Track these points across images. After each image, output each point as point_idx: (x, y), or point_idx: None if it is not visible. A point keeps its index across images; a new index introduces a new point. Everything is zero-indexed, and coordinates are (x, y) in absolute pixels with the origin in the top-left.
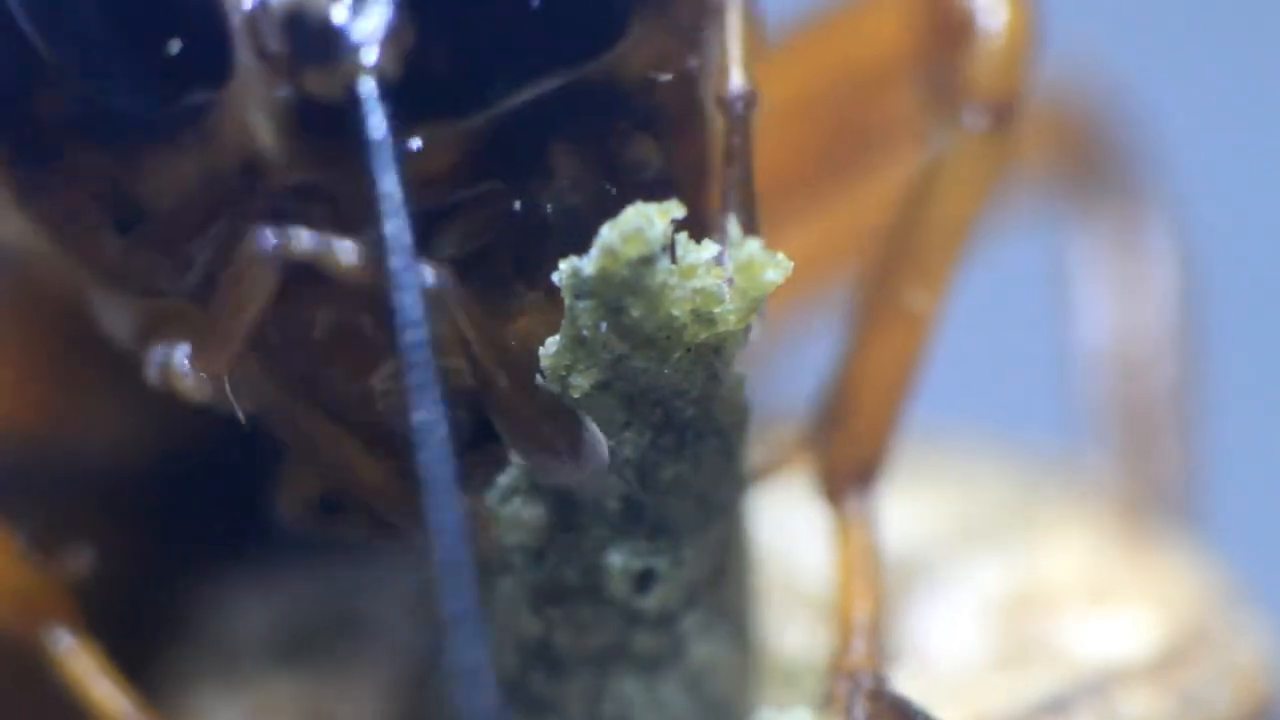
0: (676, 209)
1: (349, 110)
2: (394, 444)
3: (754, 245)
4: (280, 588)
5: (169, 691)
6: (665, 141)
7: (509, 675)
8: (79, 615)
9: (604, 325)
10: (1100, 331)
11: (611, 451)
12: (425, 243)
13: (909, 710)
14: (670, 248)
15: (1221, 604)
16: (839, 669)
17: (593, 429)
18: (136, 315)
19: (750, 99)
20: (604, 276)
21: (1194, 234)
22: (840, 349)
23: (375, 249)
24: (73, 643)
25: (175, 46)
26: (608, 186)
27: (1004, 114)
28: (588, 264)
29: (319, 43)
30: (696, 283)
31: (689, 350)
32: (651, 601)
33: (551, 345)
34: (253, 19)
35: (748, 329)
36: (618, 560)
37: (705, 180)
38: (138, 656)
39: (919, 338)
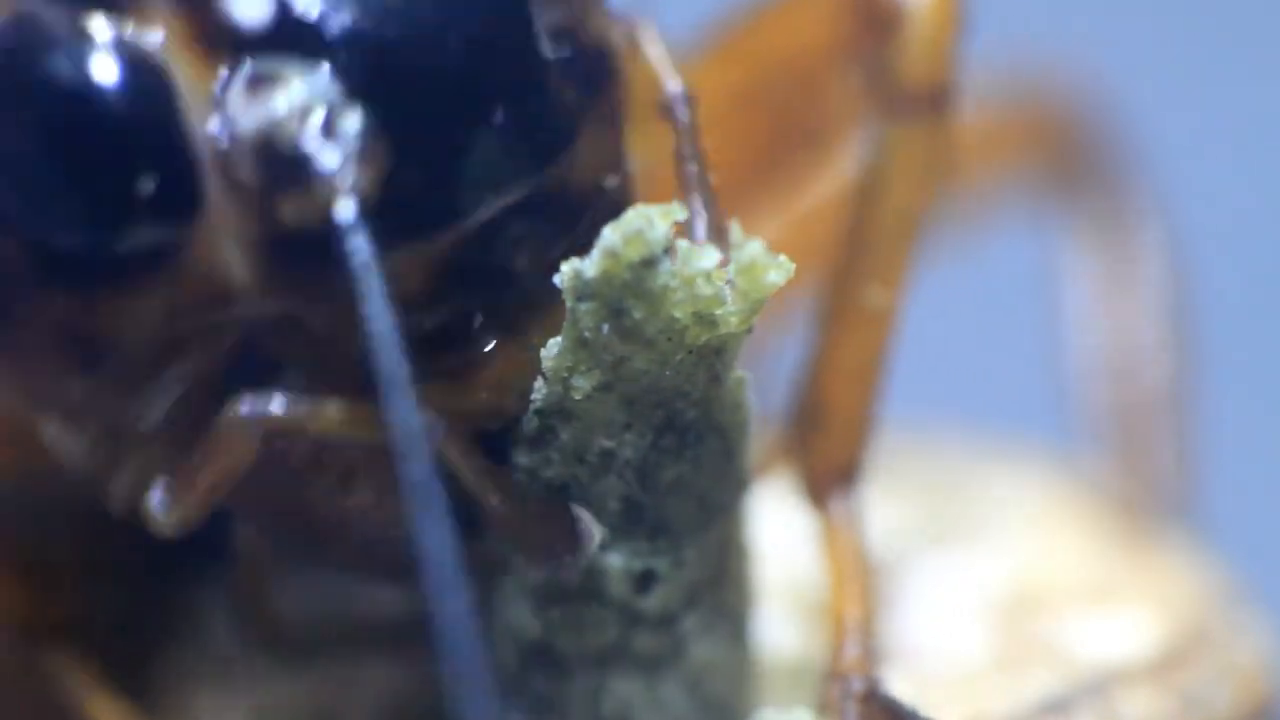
0: (678, 210)
1: (326, 237)
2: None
3: (755, 247)
4: (281, 586)
5: (169, 693)
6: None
7: (509, 675)
8: (71, 633)
9: (605, 327)
10: (1091, 331)
11: (612, 453)
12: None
13: (901, 712)
14: (671, 249)
15: (1221, 604)
16: (831, 672)
17: (584, 517)
18: (96, 447)
19: (684, 99)
20: (606, 278)
21: (1180, 230)
22: (807, 352)
23: (367, 377)
24: (65, 661)
25: (143, 186)
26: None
27: (939, 101)
28: (589, 266)
29: (294, 170)
30: (698, 286)
31: (690, 352)
32: (652, 602)
33: (553, 347)
34: (224, 151)
35: (749, 330)
36: (618, 560)
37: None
38: (137, 658)
39: (882, 334)
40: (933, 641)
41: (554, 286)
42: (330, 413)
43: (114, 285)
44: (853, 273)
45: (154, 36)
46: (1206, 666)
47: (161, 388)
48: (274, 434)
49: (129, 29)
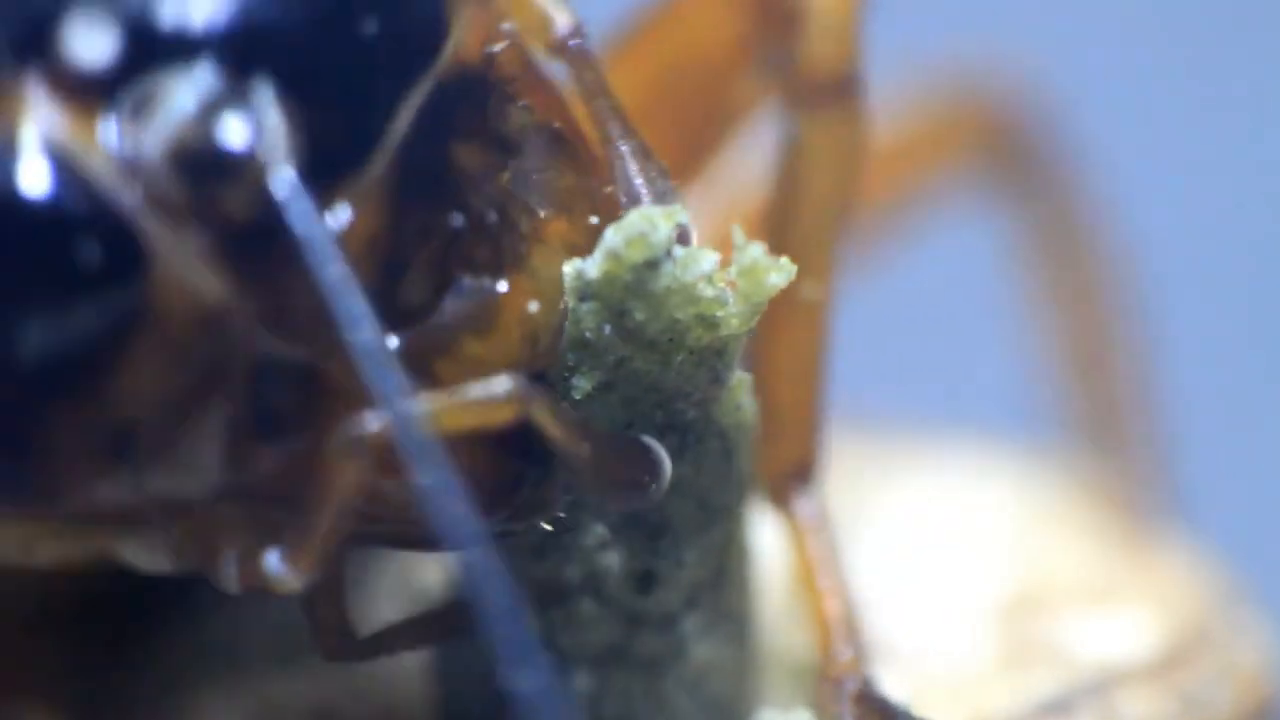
0: (681, 213)
1: (273, 217)
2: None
3: (757, 249)
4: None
5: (169, 693)
6: (527, 104)
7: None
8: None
9: (607, 328)
10: (1050, 332)
11: None
12: (395, 301)
13: (895, 712)
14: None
15: (1222, 604)
16: (822, 673)
17: (654, 443)
18: (184, 545)
19: (579, 31)
20: (607, 279)
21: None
22: (752, 355)
23: (338, 338)
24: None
25: (85, 264)
26: (516, 162)
27: (847, 87)
28: (591, 267)
29: (213, 167)
30: (700, 288)
31: (692, 353)
32: (652, 602)
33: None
34: (141, 184)
35: (750, 332)
36: (618, 561)
37: (569, 116)
38: (137, 659)
39: (819, 325)
40: (933, 641)
41: (526, 203)
42: (432, 410)
43: (101, 367)
44: None
45: (28, 124)
46: (1207, 666)
47: (200, 446)
48: (379, 450)
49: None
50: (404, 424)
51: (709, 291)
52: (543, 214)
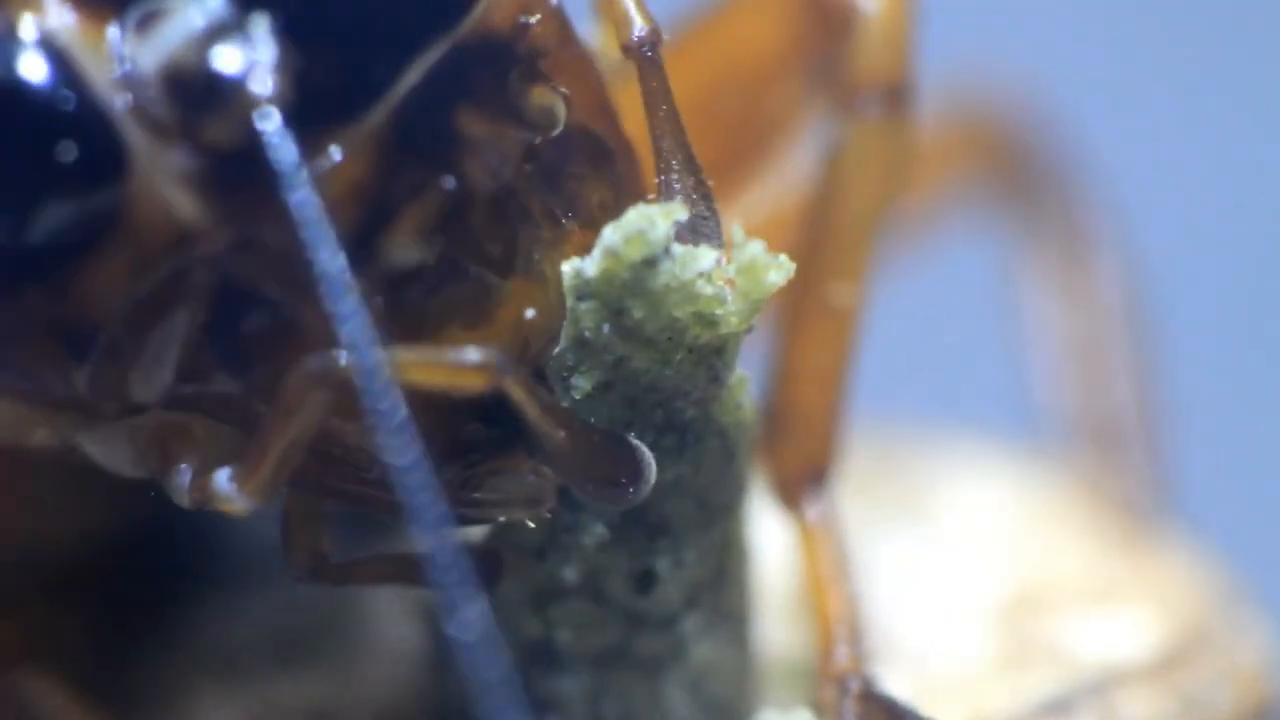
0: (680, 211)
1: (257, 150)
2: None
3: (756, 247)
4: (280, 588)
5: (169, 693)
6: (558, 85)
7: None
8: (44, 655)
9: (606, 326)
10: (1054, 344)
11: None
12: (377, 256)
13: (899, 710)
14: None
15: (1221, 604)
16: (824, 673)
17: (641, 447)
18: (134, 442)
19: (654, 37)
20: (606, 278)
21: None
22: (774, 354)
23: (310, 279)
24: (39, 685)
25: (67, 161)
26: (528, 145)
27: (899, 97)
28: (590, 265)
29: (206, 94)
30: (698, 285)
31: (691, 351)
32: (652, 602)
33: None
34: (135, 97)
35: (749, 330)
36: (618, 561)
37: (613, 121)
38: (137, 658)
39: (847, 331)
40: (933, 641)
41: (552, 207)
42: (398, 360)
43: (70, 263)
44: (815, 271)
45: (38, 16)
46: (1207, 667)
47: (157, 356)
48: (343, 389)
49: (9, 16)
50: (369, 367)
51: (708, 289)
52: (566, 223)
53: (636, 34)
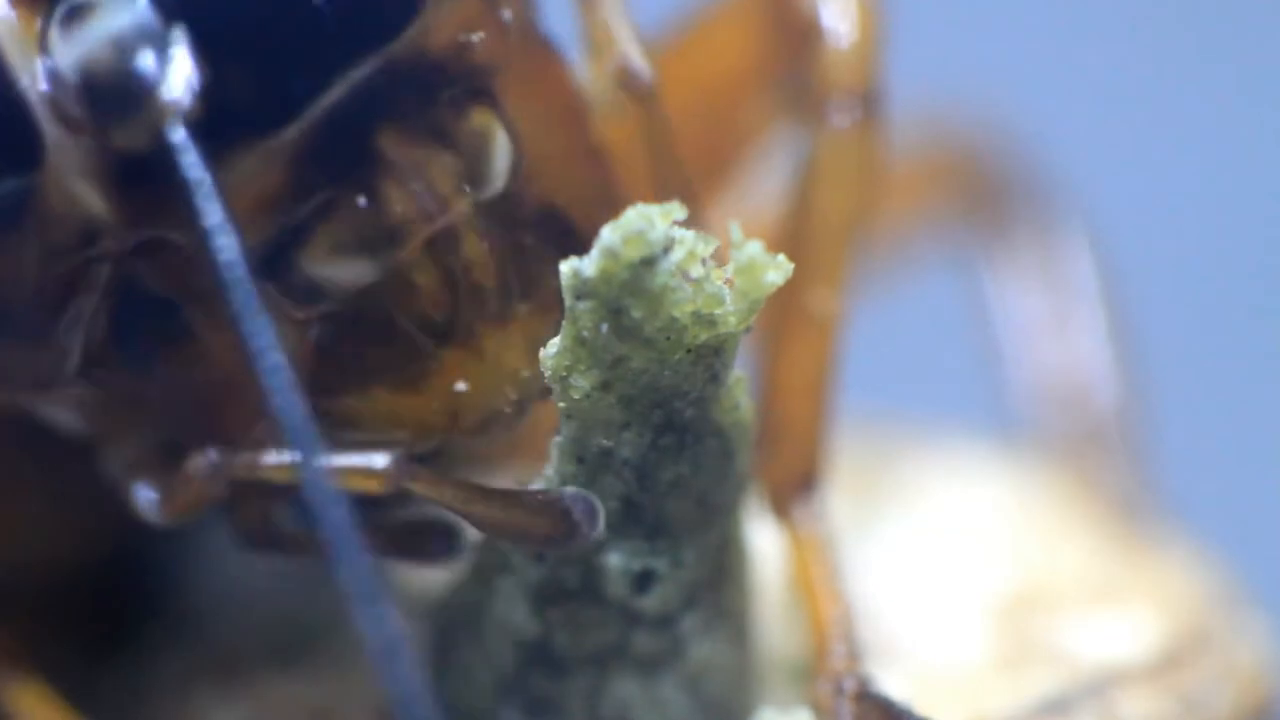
0: (679, 210)
1: (165, 157)
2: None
3: (755, 247)
4: (280, 588)
5: (169, 693)
6: (504, 103)
7: (508, 675)
8: (22, 656)
9: (604, 326)
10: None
11: (611, 452)
12: (294, 271)
13: (895, 710)
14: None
15: (1221, 604)
16: (820, 674)
17: (583, 496)
18: (72, 409)
19: (648, 75)
20: (605, 277)
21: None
22: (758, 365)
23: (217, 284)
24: (16, 686)
25: None
26: (484, 201)
27: (872, 103)
28: (588, 265)
29: (116, 98)
30: (697, 285)
31: (689, 351)
32: (651, 602)
33: (552, 346)
34: (51, 90)
35: (748, 330)
36: (617, 560)
37: (582, 130)
38: (137, 658)
39: (830, 338)
40: (933, 641)
41: (505, 280)
42: (280, 463)
43: None
44: (795, 280)
45: None
46: (1207, 667)
47: (62, 340)
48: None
49: None
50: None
51: (706, 289)
52: (516, 304)
53: (634, 72)
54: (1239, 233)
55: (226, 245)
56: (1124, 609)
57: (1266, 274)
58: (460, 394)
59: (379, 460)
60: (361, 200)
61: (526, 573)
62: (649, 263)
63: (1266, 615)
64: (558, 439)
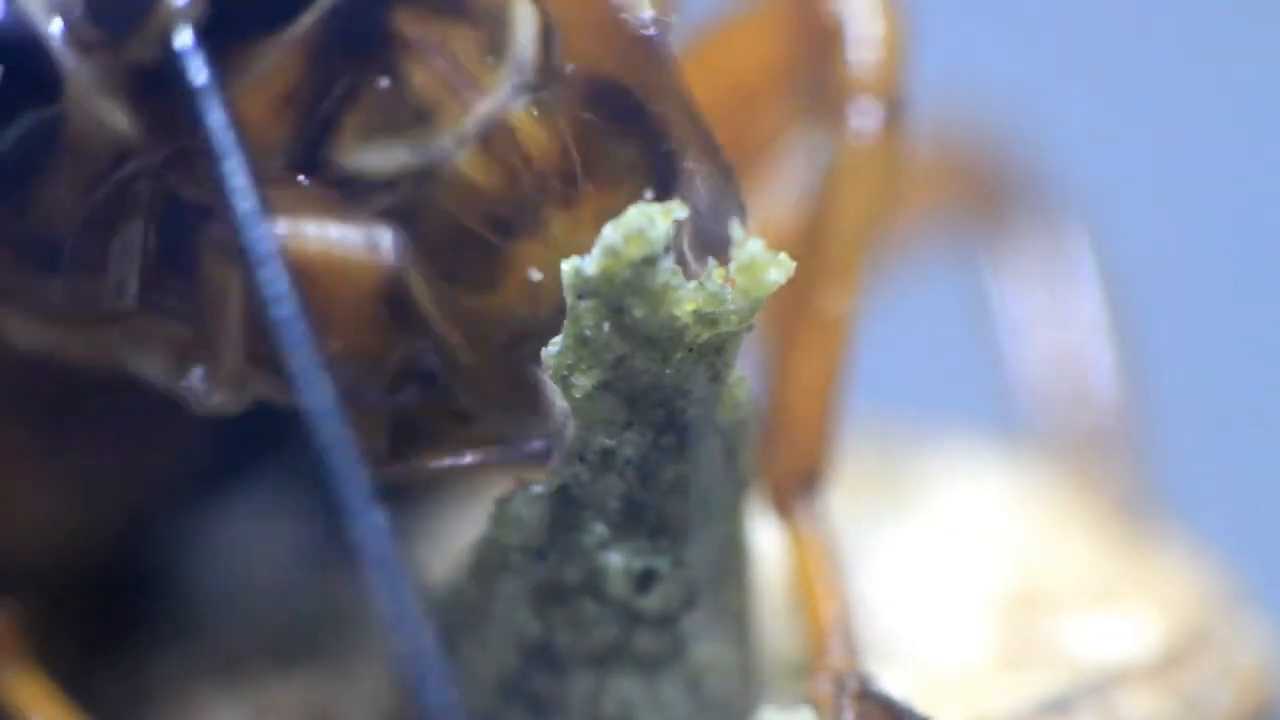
0: (679, 209)
1: (177, 64)
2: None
3: (756, 245)
4: (281, 588)
5: (169, 693)
6: None
7: (509, 675)
8: (19, 645)
9: (606, 325)
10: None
11: (612, 451)
12: (330, 166)
13: (896, 709)
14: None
15: (1222, 604)
16: (819, 673)
17: (545, 380)
18: (140, 346)
19: (662, 22)
20: (606, 276)
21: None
22: (767, 362)
23: (222, 198)
24: (14, 674)
25: (5, 81)
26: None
27: (895, 107)
28: (590, 264)
29: (121, 10)
30: (698, 284)
31: (691, 350)
32: (652, 601)
33: (554, 345)
34: (63, 17)
35: (749, 329)
36: (618, 560)
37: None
38: (137, 658)
39: (841, 340)
40: (933, 640)
41: (570, 167)
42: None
43: (24, 179)
44: (809, 281)
45: None
46: (1207, 667)
47: (119, 264)
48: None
49: None
50: (263, 252)
51: (708, 288)
52: (582, 185)
53: (642, 18)
54: (1240, 232)
55: (230, 148)
56: (1125, 609)
57: (1267, 274)
58: (536, 283)
59: (384, 239)
60: (385, 82)
61: (527, 572)
62: (650, 261)
63: (1266, 615)
64: (559, 438)
